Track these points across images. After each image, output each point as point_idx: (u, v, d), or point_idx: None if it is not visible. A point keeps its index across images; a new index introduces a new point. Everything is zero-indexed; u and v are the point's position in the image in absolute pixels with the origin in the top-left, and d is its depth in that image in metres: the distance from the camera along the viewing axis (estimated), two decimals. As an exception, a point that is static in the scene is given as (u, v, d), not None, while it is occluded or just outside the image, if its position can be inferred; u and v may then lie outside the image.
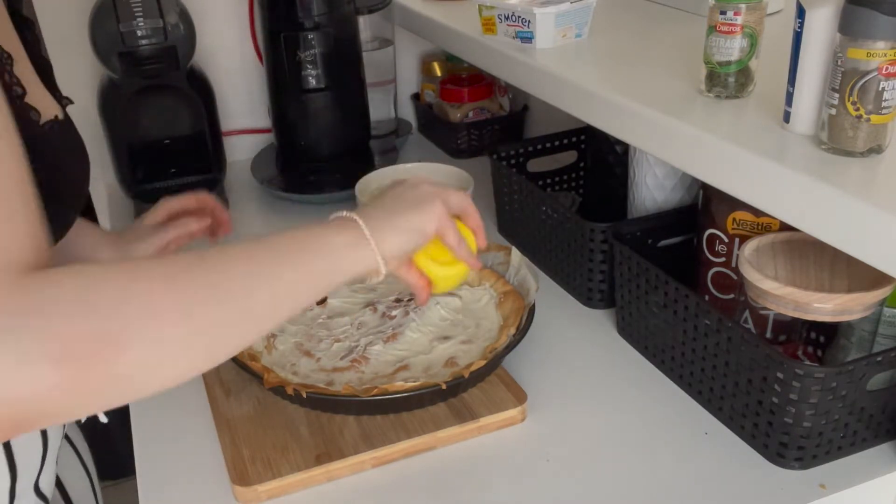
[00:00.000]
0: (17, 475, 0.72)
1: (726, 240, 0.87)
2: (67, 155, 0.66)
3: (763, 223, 0.84)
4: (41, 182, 0.60)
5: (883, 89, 0.60)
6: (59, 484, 0.83)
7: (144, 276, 0.51)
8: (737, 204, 0.84)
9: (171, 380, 0.52)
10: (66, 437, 0.87)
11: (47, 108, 0.66)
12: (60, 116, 0.67)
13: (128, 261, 0.52)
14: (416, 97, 1.66)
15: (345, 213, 0.67)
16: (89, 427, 0.88)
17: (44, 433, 0.75)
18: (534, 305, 0.91)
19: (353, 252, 0.64)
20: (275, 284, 0.57)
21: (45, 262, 0.49)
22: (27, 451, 0.73)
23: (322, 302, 0.97)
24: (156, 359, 0.50)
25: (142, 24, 1.17)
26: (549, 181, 1.24)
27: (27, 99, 0.60)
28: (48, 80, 0.71)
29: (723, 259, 0.88)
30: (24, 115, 0.58)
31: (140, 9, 1.17)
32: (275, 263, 0.57)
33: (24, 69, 0.67)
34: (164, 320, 0.50)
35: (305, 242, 0.61)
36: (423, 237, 0.70)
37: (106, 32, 1.17)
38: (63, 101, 0.72)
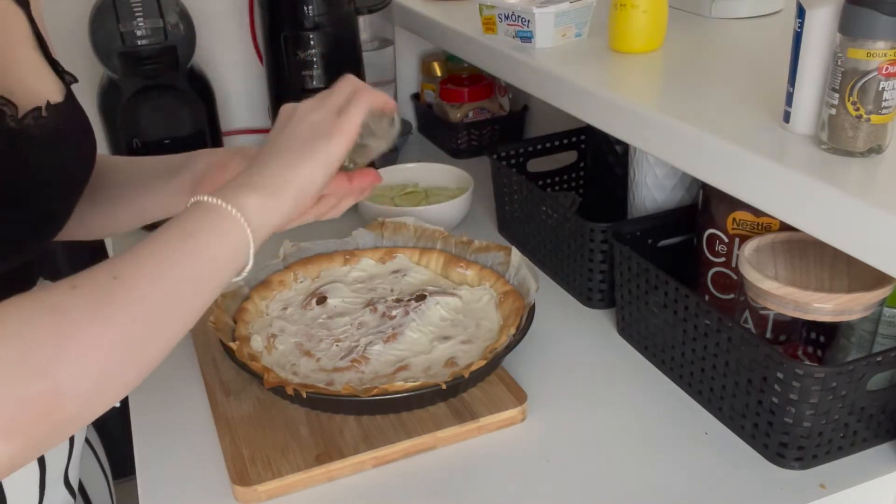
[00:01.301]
0: (46, 467, 0.72)
1: (726, 240, 0.87)
2: (59, 144, 0.64)
3: (763, 223, 0.84)
4: (18, 182, 0.59)
5: (883, 89, 0.60)
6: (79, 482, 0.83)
7: (70, 314, 0.49)
8: (737, 204, 0.84)
9: (110, 404, 0.53)
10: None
11: (39, 92, 0.64)
12: (56, 100, 0.65)
13: (48, 294, 0.50)
14: (416, 97, 1.66)
15: (205, 198, 0.58)
16: (98, 425, 0.88)
17: None
18: (534, 305, 0.91)
19: (215, 227, 0.57)
20: (177, 287, 0.55)
21: None
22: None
23: (322, 302, 0.97)
24: (96, 396, 0.51)
25: (142, 24, 1.17)
26: (549, 181, 1.24)
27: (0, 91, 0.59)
28: (47, 57, 0.69)
29: (723, 259, 0.88)
30: None
31: (140, 9, 1.17)
32: (169, 266, 0.54)
33: (18, 49, 0.66)
34: (99, 359, 0.50)
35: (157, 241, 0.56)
36: (319, 186, 0.63)
37: (106, 32, 1.17)
38: (66, 77, 0.70)
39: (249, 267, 0.59)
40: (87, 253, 1.21)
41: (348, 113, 0.64)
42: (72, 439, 0.76)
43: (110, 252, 1.26)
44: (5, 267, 0.62)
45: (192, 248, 0.56)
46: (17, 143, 0.59)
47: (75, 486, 0.78)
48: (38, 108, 0.62)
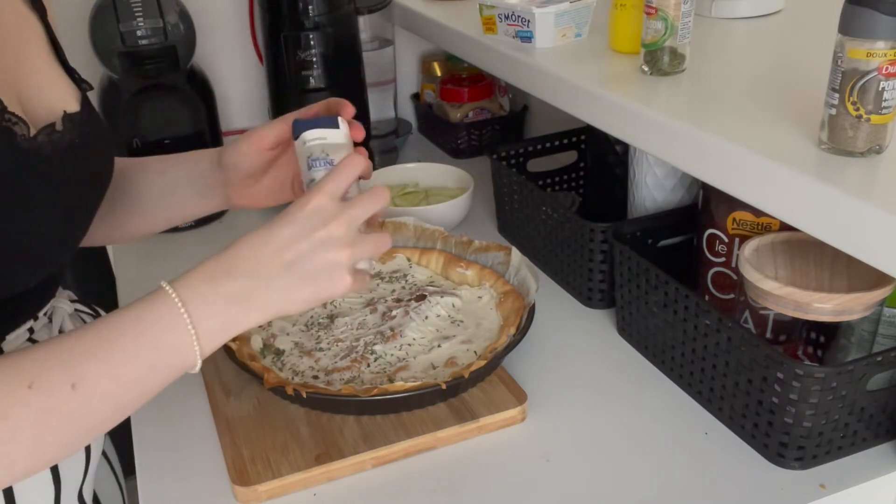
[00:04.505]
0: (62, 484, 0.72)
1: (726, 240, 0.87)
2: (73, 159, 0.63)
3: (763, 223, 0.84)
4: (32, 201, 0.59)
5: (883, 89, 0.60)
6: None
7: (20, 420, 0.51)
8: (737, 204, 0.84)
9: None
10: None
11: (56, 102, 0.64)
12: (72, 108, 0.65)
13: (2, 391, 0.52)
14: (416, 97, 1.66)
15: (164, 284, 0.57)
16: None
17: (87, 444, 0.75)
18: (534, 305, 0.91)
19: (167, 337, 0.56)
20: (128, 396, 0.56)
21: None
22: (71, 463, 0.73)
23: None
24: (23, 477, 0.54)
25: (142, 24, 1.17)
26: (549, 181, 1.24)
27: (13, 106, 0.58)
28: (63, 64, 0.69)
29: (723, 259, 0.88)
30: (2, 132, 0.56)
31: (140, 9, 1.17)
32: (82, 360, 0.54)
33: (34, 56, 0.65)
34: (38, 458, 0.54)
35: (114, 331, 0.56)
36: (297, 310, 0.61)
37: (106, 32, 1.17)
38: (83, 85, 0.70)
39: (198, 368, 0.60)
40: (91, 258, 1.21)
41: (362, 269, 0.63)
42: (88, 457, 0.76)
43: (112, 260, 1.25)
44: (26, 285, 0.63)
45: (147, 365, 0.56)
46: (27, 162, 0.58)
47: (89, 501, 0.78)
48: (52, 125, 0.61)
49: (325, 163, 0.67)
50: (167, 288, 0.57)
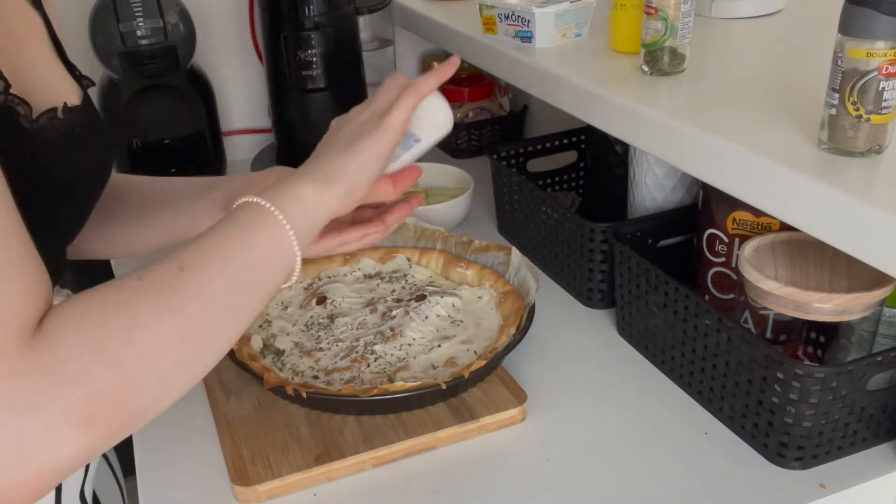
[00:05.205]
0: (63, 483, 0.71)
1: (726, 240, 0.87)
2: (75, 147, 0.64)
3: (763, 223, 0.84)
4: (32, 184, 0.59)
5: (883, 89, 0.60)
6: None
7: (139, 305, 0.50)
8: (737, 204, 0.84)
9: (179, 396, 0.53)
10: None
11: (55, 93, 0.64)
12: (73, 102, 0.65)
13: (116, 287, 0.51)
14: (416, 97, 1.65)
15: (252, 199, 0.61)
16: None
17: None
18: (534, 305, 0.91)
19: (269, 236, 0.59)
20: (239, 280, 0.57)
21: (45, 309, 0.48)
22: None
23: (322, 302, 0.97)
24: (167, 386, 0.51)
25: (142, 24, 1.18)
26: (549, 181, 1.24)
27: (14, 90, 0.58)
28: (64, 61, 0.69)
29: (723, 259, 0.88)
30: (5, 111, 0.57)
31: (140, 9, 1.17)
32: (231, 264, 0.56)
33: (34, 50, 0.66)
34: (169, 348, 0.51)
35: (219, 238, 0.58)
36: (368, 182, 0.66)
37: (106, 32, 1.18)
38: (83, 81, 0.70)
39: (298, 269, 0.61)
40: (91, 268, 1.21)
41: (395, 108, 0.67)
42: None
43: (115, 271, 1.25)
44: None
45: (246, 243, 0.58)
46: (29, 143, 0.59)
47: (90, 500, 0.78)
48: (54, 109, 0.62)
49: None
50: (252, 199, 0.60)
